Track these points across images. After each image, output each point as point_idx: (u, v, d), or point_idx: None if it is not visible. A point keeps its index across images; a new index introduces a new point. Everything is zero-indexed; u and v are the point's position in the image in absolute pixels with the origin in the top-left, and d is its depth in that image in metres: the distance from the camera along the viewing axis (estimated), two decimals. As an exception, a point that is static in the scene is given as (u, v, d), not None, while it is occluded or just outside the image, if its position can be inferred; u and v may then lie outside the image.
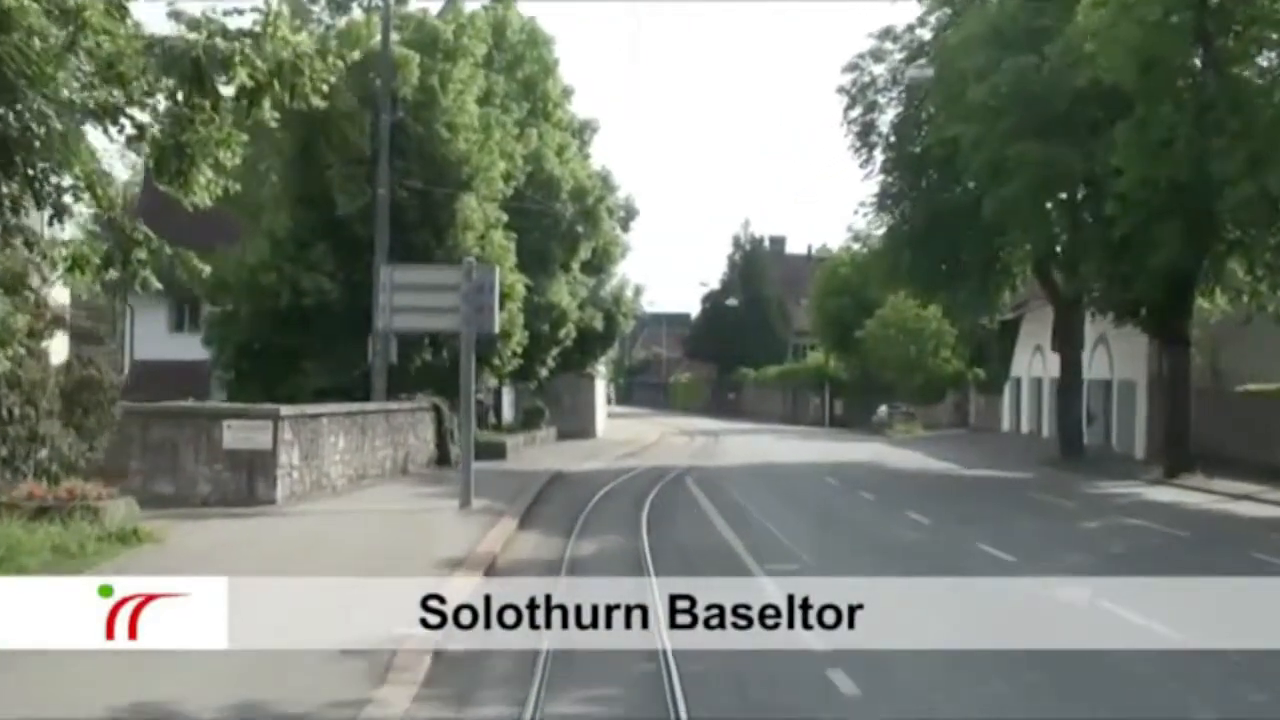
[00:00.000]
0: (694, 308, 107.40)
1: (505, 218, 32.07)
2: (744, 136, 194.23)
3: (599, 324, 46.73)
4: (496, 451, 36.83)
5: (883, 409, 64.87)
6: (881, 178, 39.17)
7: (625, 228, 48.45)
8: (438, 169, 30.13)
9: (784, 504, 24.13)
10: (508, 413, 46.70)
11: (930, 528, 20.31)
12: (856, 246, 76.13)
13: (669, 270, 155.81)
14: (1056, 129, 28.74)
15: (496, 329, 21.04)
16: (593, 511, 22.15)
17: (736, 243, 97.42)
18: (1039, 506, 24.97)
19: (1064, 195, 30.50)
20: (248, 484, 20.95)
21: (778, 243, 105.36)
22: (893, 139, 39.60)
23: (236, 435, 21.07)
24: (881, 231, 41.94)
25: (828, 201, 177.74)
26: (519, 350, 33.70)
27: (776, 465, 36.82)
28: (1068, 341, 39.70)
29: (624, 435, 55.80)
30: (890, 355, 64.19)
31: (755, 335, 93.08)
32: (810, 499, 25.33)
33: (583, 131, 45.62)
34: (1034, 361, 54.08)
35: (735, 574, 14.90)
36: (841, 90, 39.39)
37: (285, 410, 21.46)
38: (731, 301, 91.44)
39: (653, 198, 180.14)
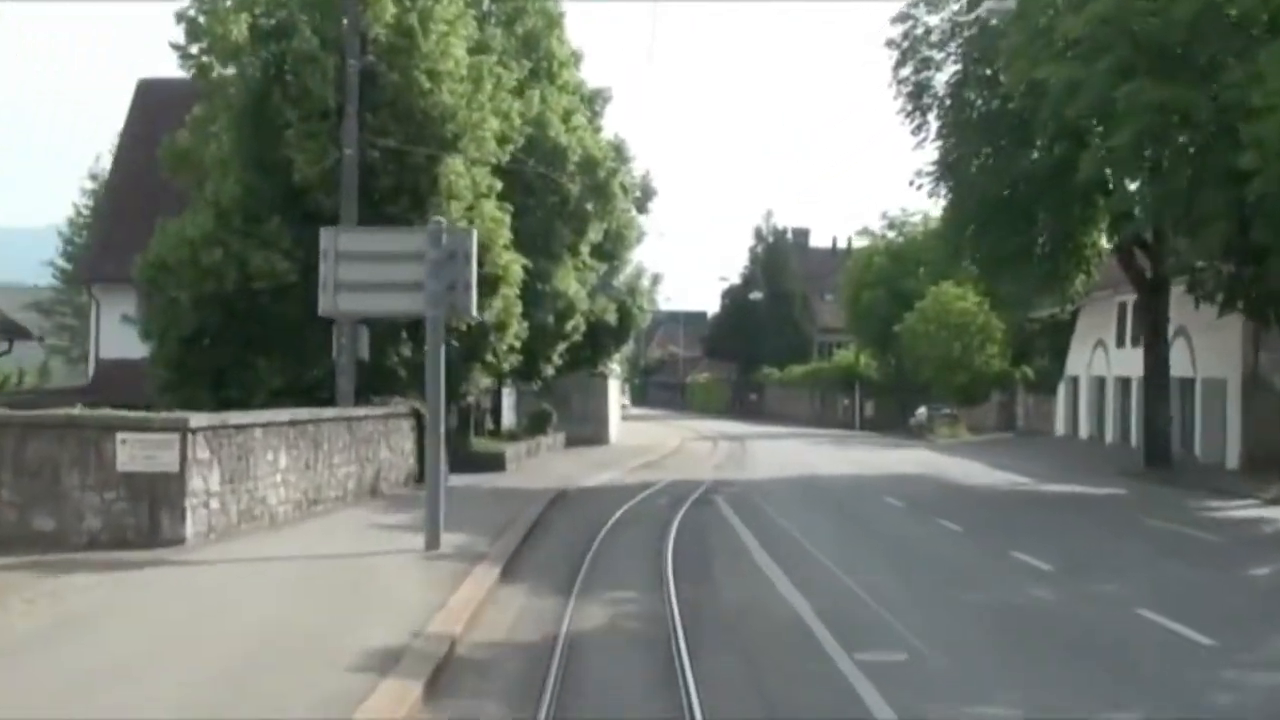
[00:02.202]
0: (711, 306, 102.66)
1: (499, 186, 26.87)
2: (762, 127, 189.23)
3: (611, 317, 41.52)
4: (494, 463, 31.88)
5: (922, 410, 59.54)
6: (939, 143, 33.83)
7: (641, 209, 43.23)
8: (417, 125, 24.91)
9: (847, 539, 18.95)
10: (508, 417, 41.56)
11: (1054, 578, 15.10)
12: (892, 234, 71.20)
13: (685, 267, 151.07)
14: (1171, 67, 23.37)
15: (474, 311, 15.95)
16: (602, 550, 17.04)
17: (758, 234, 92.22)
18: (1170, 540, 19.67)
19: (1173, 147, 24.82)
20: (149, 517, 15.88)
21: (801, 235, 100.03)
22: (948, 102, 34.32)
23: (134, 453, 15.98)
24: (932, 209, 36.67)
25: (854, 191, 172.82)
26: (517, 344, 28.48)
27: (819, 479, 31.59)
28: (1154, 333, 34.37)
29: (640, 440, 50.77)
30: (931, 352, 58.76)
31: (778, 332, 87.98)
32: (879, 531, 20.10)
33: (593, 101, 40.34)
34: (1095, 358, 48.82)
35: (818, 674, 9.79)
36: (890, 44, 34.13)
37: (197, 420, 16.34)
38: (756, 295, 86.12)
39: (668, 193, 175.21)
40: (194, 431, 16.07)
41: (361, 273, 16.04)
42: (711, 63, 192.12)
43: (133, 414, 17.06)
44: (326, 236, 16.03)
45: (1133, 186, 30.00)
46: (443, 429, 16.05)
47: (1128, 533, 20.51)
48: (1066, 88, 24.27)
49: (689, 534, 18.76)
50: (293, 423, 19.18)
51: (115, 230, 40.36)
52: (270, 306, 24.74)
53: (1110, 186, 32.18)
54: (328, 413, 21.07)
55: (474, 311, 16.00)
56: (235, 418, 17.52)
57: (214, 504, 16.62)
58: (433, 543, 15.62)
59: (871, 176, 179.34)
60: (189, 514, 15.96)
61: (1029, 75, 25.97)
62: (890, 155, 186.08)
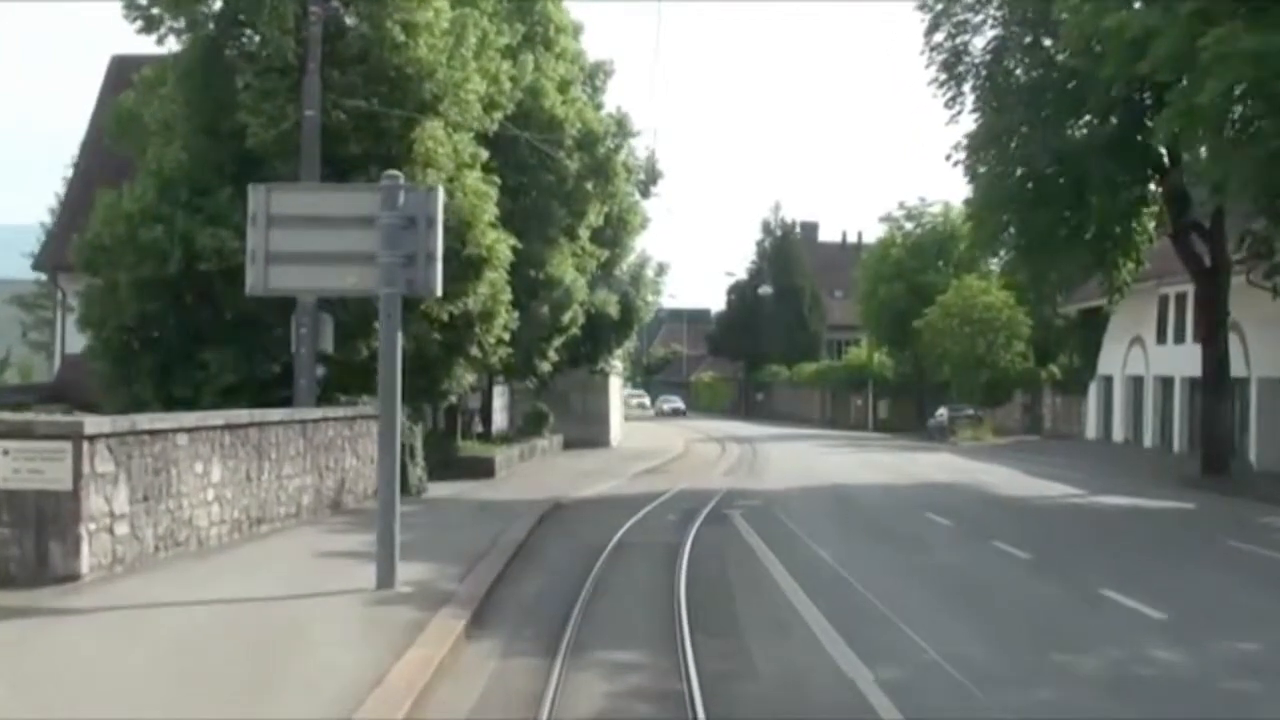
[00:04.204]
0: (715, 304, 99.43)
1: (485, 155, 23.63)
2: (768, 119, 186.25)
3: (613, 309, 38.26)
4: (482, 469, 28.79)
5: (942, 411, 56.18)
6: (976, 115, 30.60)
7: (645, 193, 39.97)
8: (389, 84, 21.71)
9: (898, 571, 15.70)
10: (499, 418, 38.32)
11: (1173, 631, 11.89)
12: (910, 226, 67.92)
13: (688, 263, 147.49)
14: (1263, 11, 20.00)
15: (438, 290, 12.71)
16: (599, 587, 13.81)
17: (766, 228, 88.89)
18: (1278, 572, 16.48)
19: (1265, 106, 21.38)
20: (36, 547, 12.67)
21: (809, 229, 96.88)
22: (984, 72, 31.07)
23: (17, 466, 12.78)
24: (954, 198, 33.48)
25: (864, 185, 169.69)
26: (507, 337, 25.21)
27: (844, 489, 28.35)
28: (1211, 327, 31.16)
29: (643, 443, 47.63)
30: (952, 349, 55.40)
31: (786, 330, 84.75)
32: (934, 562, 16.71)
33: (594, 75, 37.04)
34: (1130, 356, 45.63)
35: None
36: (923, 6, 30.86)
37: (96, 425, 13.11)
38: (765, 289, 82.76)
39: (671, 187, 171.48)
40: (91, 439, 12.82)
41: (299, 241, 12.78)
42: (716, 51, 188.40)
43: (18, 417, 13.90)
44: (256, 196, 12.79)
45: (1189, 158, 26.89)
46: (398, 437, 12.83)
47: (1225, 562, 17.29)
48: (1142, 36, 20.94)
49: (705, 564, 15.54)
50: (228, 426, 15.94)
51: (81, 213, 37.28)
52: (221, 291, 21.54)
53: (1167, 161, 29.12)
54: (275, 414, 17.81)
55: (437, 290, 12.75)
56: (149, 421, 14.30)
57: (120, 529, 13.40)
58: (385, 580, 12.39)
59: (883, 169, 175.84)
60: (84, 542, 12.73)
61: (1093, 28, 22.62)
62: (905, 146, 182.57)
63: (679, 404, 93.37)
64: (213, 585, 12.50)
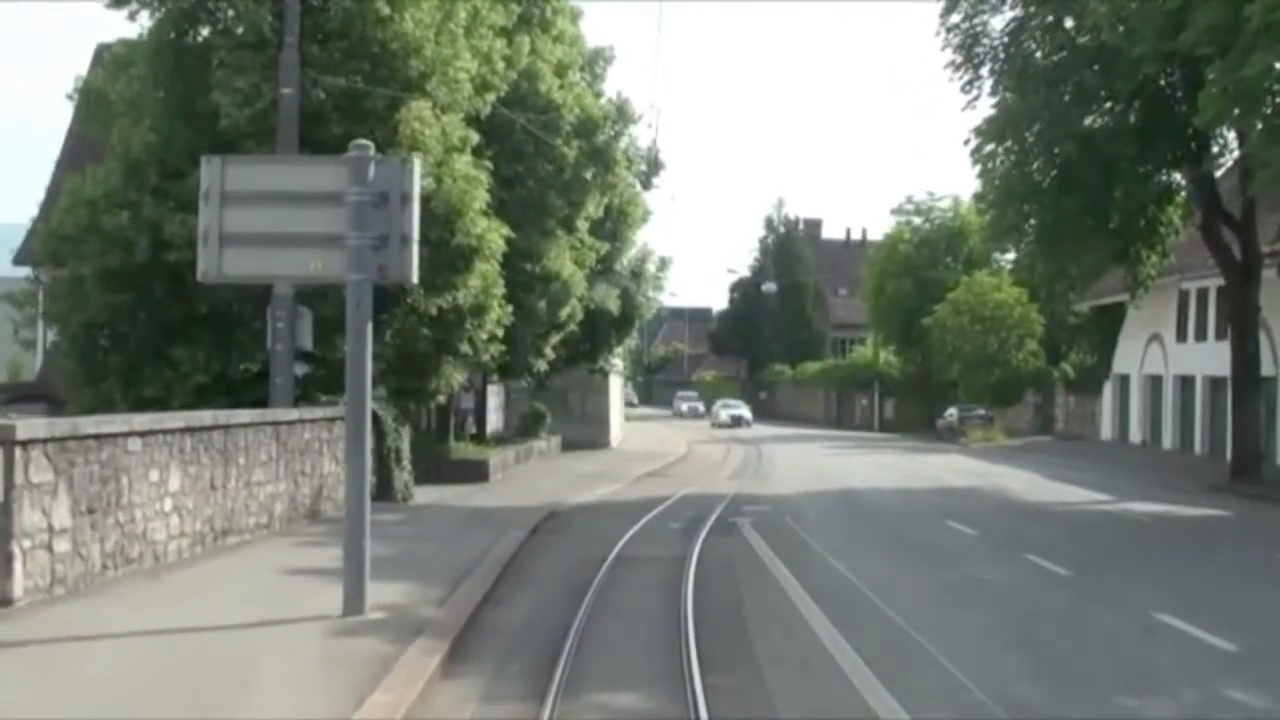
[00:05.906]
0: (717, 303, 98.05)
1: (475, 138, 22.17)
2: (771, 114, 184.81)
3: (613, 305, 36.83)
4: (475, 473, 27.42)
5: (952, 411, 54.70)
6: (997, 98, 29.14)
7: (647, 185, 38.50)
8: (373, 61, 20.26)
9: (927, 590, 14.24)
10: (494, 419, 36.88)
11: (1246, 665, 10.47)
12: (918, 221, 66.51)
13: (690, 263, 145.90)
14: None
15: (414, 277, 11.29)
16: (597, 610, 12.35)
17: (769, 224, 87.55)
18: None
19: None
20: (-37, 566, 11.24)
21: (813, 226, 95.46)
22: (1002, 55, 29.63)
23: (-56, 476, 11.34)
24: (963, 191, 32.04)
25: (867, 182, 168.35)
26: (500, 333, 23.76)
27: (857, 494, 26.92)
28: (1242, 324, 29.71)
29: (644, 444, 46.23)
30: (962, 348, 53.89)
31: (789, 328, 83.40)
32: (965, 578, 15.15)
33: (594, 62, 35.59)
34: (1149, 354, 44.13)
35: None
36: (939, -17, 29.47)
37: (32, 429, 11.64)
38: (769, 286, 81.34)
39: (673, 187, 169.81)
40: (26, 445, 11.35)
41: (258, 221, 11.36)
42: (717, 48, 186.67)
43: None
44: (209, 169, 11.36)
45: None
46: (368, 440, 11.41)
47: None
48: (1180, 8, 19.48)
49: (713, 581, 14.11)
50: (188, 429, 14.48)
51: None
52: (192, 283, 19.95)
53: (1194, 148, 27.73)
54: (244, 415, 16.35)
55: (413, 276, 11.32)
56: (94, 424, 12.81)
57: (61, 545, 11.93)
58: (353, 605, 10.93)
59: (887, 167, 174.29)
60: (18, 562, 11.26)
61: (1126, 2, 21.19)
62: (908, 144, 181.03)
63: (742, 411, 70.50)
64: (160, 611, 11.05)
